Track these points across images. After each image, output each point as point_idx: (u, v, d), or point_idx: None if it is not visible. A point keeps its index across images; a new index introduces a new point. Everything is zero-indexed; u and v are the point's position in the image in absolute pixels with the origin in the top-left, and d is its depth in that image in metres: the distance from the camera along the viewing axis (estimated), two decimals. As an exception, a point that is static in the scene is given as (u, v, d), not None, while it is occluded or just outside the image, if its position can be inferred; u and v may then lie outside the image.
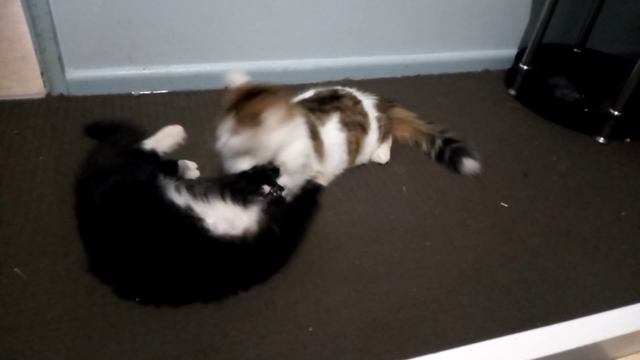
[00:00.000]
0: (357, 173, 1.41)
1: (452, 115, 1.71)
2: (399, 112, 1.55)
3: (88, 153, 1.21)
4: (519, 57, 1.91)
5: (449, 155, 1.46)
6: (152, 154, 1.13)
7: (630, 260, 1.26)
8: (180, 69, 1.63)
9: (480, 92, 1.88)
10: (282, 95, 1.15)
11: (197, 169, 1.29)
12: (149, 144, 1.14)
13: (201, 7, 1.54)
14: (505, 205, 1.38)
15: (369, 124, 1.41)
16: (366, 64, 1.84)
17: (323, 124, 1.31)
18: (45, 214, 1.15)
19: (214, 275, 0.99)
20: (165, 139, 1.16)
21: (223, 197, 1.02)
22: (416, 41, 1.88)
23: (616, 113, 1.66)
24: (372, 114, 1.43)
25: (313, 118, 1.29)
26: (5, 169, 1.25)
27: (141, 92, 1.61)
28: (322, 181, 1.16)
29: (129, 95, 1.59)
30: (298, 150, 1.14)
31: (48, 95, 1.54)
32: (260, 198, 1.05)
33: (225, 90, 1.17)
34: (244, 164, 1.13)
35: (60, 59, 1.50)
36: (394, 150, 1.49)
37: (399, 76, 1.91)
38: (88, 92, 1.56)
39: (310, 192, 1.12)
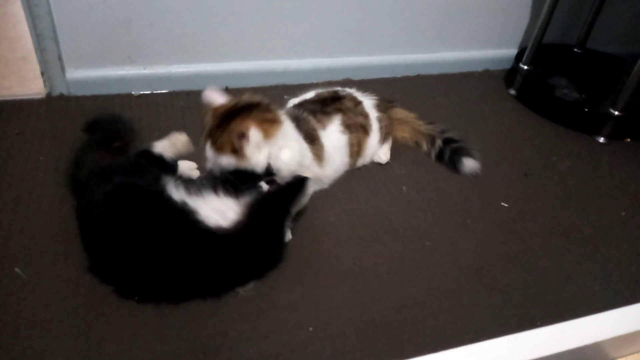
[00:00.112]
0: (357, 173, 1.41)
1: (452, 115, 1.71)
2: (399, 112, 1.55)
3: (77, 149, 1.22)
4: (519, 57, 1.91)
5: (449, 155, 1.46)
6: (159, 158, 1.15)
7: (630, 260, 1.26)
8: (181, 69, 1.63)
9: (481, 92, 1.88)
10: (262, 109, 1.14)
11: (197, 169, 1.29)
12: (158, 147, 1.18)
13: (201, 7, 1.54)
14: (506, 205, 1.38)
15: (370, 125, 1.41)
16: (366, 63, 1.84)
17: (324, 126, 1.30)
18: (46, 214, 1.15)
19: (207, 268, 0.99)
20: (171, 148, 1.20)
21: (216, 190, 1.04)
22: (416, 41, 1.88)
23: (616, 113, 1.66)
24: (373, 114, 1.43)
25: (313, 121, 1.28)
26: (6, 169, 1.25)
27: (141, 92, 1.61)
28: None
29: (129, 95, 1.59)
30: (288, 157, 1.14)
31: (48, 95, 1.54)
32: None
33: (204, 108, 1.17)
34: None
35: (60, 58, 1.50)
36: (394, 151, 1.49)
37: (399, 76, 1.91)
38: (88, 92, 1.57)
39: (293, 184, 1.11)
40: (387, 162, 1.46)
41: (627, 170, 1.57)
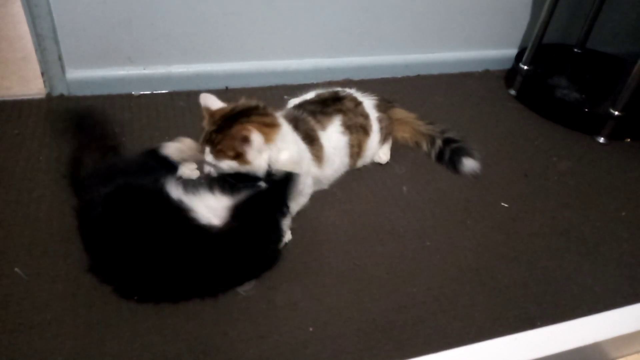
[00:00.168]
0: (357, 173, 1.41)
1: (452, 116, 1.71)
2: (399, 112, 1.55)
3: (75, 149, 1.23)
4: (519, 57, 1.91)
5: (449, 155, 1.46)
6: (164, 159, 1.17)
7: (630, 260, 1.26)
8: (181, 69, 1.63)
9: (481, 92, 1.88)
10: (260, 113, 1.14)
11: (197, 169, 1.29)
12: (167, 149, 1.19)
13: (201, 7, 1.54)
14: (506, 205, 1.38)
15: (370, 126, 1.41)
16: (366, 64, 1.84)
17: (324, 127, 1.30)
18: (46, 214, 1.15)
19: (201, 265, 0.99)
20: (178, 152, 1.21)
21: (211, 189, 1.05)
22: (416, 41, 1.88)
23: (616, 113, 1.66)
24: (373, 115, 1.43)
25: (312, 122, 1.28)
26: (6, 169, 1.25)
27: (141, 92, 1.61)
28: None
29: (130, 96, 1.59)
30: (287, 158, 1.14)
31: (48, 95, 1.54)
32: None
33: (201, 112, 1.17)
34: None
35: (60, 59, 1.50)
36: (394, 151, 1.49)
37: (399, 76, 1.91)
38: (88, 92, 1.57)
39: (283, 181, 1.11)
40: (388, 163, 1.46)
41: (627, 170, 1.57)
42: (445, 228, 1.28)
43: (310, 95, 1.46)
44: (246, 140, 1.07)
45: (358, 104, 1.42)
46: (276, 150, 1.12)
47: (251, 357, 0.94)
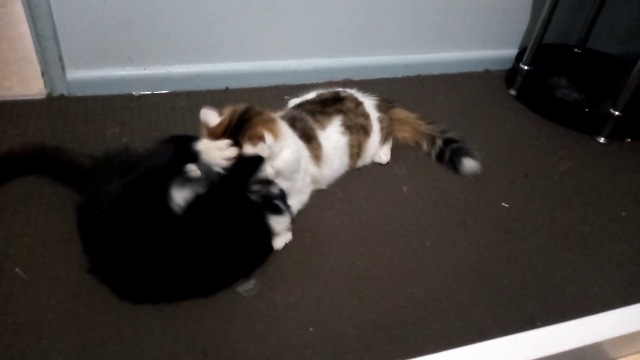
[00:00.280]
0: (357, 173, 1.41)
1: (452, 116, 1.71)
2: (400, 112, 1.55)
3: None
4: (519, 57, 1.91)
5: (449, 155, 1.46)
6: (194, 155, 1.10)
7: (630, 260, 1.26)
8: (181, 70, 1.63)
9: (481, 92, 1.88)
10: (257, 113, 1.14)
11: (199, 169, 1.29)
12: (199, 146, 1.10)
13: (201, 7, 1.54)
14: (506, 205, 1.38)
15: (371, 126, 1.41)
16: (366, 64, 1.84)
17: (323, 127, 1.30)
18: (46, 214, 1.15)
19: (186, 258, 1.00)
20: (215, 155, 1.11)
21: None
22: (416, 41, 1.88)
23: (617, 113, 1.66)
24: (374, 115, 1.43)
25: (311, 121, 1.29)
26: (6, 169, 1.26)
27: (142, 93, 1.61)
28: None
29: (130, 96, 1.59)
30: (288, 155, 1.14)
31: (49, 95, 1.54)
32: (254, 195, 1.09)
33: (204, 125, 1.14)
34: None
35: (60, 59, 1.50)
36: (394, 151, 1.49)
37: (400, 76, 1.91)
38: (89, 92, 1.57)
39: (248, 161, 1.10)
40: (388, 163, 1.46)
41: (627, 170, 1.57)
42: (446, 228, 1.28)
43: (311, 95, 1.46)
44: (262, 139, 1.08)
45: (359, 104, 1.42)
46: (279, 147, 1.13)
47: (251, 357, 0.94)
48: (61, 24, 1.45)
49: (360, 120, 1.39)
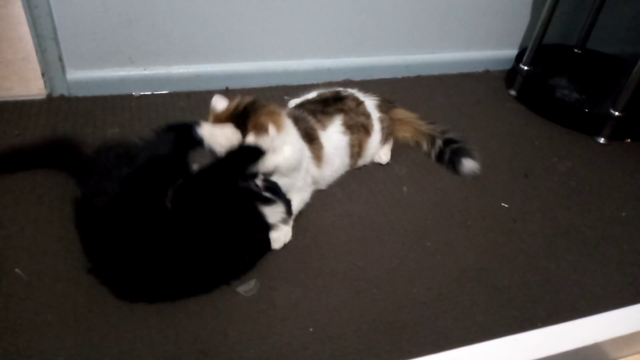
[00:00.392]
0: (357, 174, 1.41)
1: (452, 116, 1.71)
2: (400, 112, 1.55)
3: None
4: (519, 58, 1.91)
5: (449, 156, 1.46)
6: (198, 141, 1.08)
7: (630, 260, 1.26)
8: (181, 70, 1.63)
9: (481, 93, 1.88)
10: (262, 105, 1.15)
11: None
12: (203, 131, 1.08)
13: (201, 8, 1.54)
14: (506, 205, 1.38)
15: (372, 126, 1.41)
16: (366, 64, 1.84)
17: (324, 127, 1.30)
18: (46, 214, 1.15)
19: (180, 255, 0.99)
20: (220, 138, 1.09)
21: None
22: (416, 42, 1.88)
23: (616, 113, 1.66)
24: (375, 114, 1.43)
25: (312, 121, 1.29)
26: (6, 170, 1.26)
27: (142, 93, 1.61)
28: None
29: (130, 96, 1.59)
30: (290, 152, 1.14)
31: (49, 96, 1.54)
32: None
33: (212, 111, 1.16)
34: None
35: (61, 59, 1.50)
36: (394, 151, 1.49)
37: (400, 77, 1.91)
38: (89, 92, 1.57)
39: (244, 150, 1.09)
40: (388, 163, 1.46)
41: (627, 171, 1.57)
42: (446, 228, 1.28)
43: (311, 95, 1.46)
44: (264, 129, 1.08)
45: (359, 103, 1.42)
46: (281, 142, 1.13)
47: (251, 357, 0.94)
48: (61, 24, 1.45)
49: (361, 119, 1.39)
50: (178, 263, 0.98)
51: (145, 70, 1.60)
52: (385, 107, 1.49)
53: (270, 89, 1.73)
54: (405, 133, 1.54)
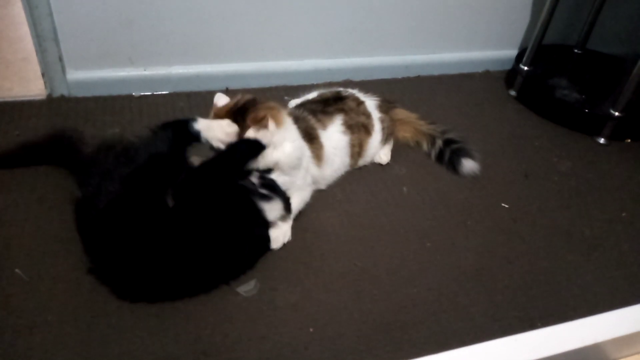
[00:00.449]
0: (357, 174, 1.41)
1: (452, 116, 1.71)
2: (401, 112, 1.55)
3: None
4: (519, 58, 1.91)
5: (449, 156, 1.46)
6: (195, 136, 1.09)
7: (630, 261, 1.26)
8: (181, 70, 1.64)
9: (481, 93, 1.88)
10: (262, 101, 1.17)
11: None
12: (199, 125, 1.10)
13: (202, 8, 1.55)
14: (506, 205, 1.38)
15: (372, 125, 1.41)
16: (367, 65, 1.84)
17: (324, 127, 1.30)
18: (46, 215, 1.15)
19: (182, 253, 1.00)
20: (217, 131, 1.10)
21: None
22: (416, 42, 1.88)
23: (617, 114, 1.66)
24: (376, 114, 1.43)
25: (313, 121, 1.29)
26: (6, 170, 1.25)
27: (142, 93, 1.62)
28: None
29: (130, 96, 1.59)
30: (290, 149, 1.15)
31: (49, 96, 1.54)
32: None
33: (213, 108, 1.18)
34: None
35: (61, 60, 1.50)
36: (394, 151, 1.49)
37: (400, 77, 1.91)
38: (89, 93, 1.57)
39: (244, 143, 1.09)
40: (388, 163, 1.46)
41: (627, 171, 1.57)
42: (446, 229, 1.28)
43: (312, 95, 1.46)
44: (264, 121, 1.09)
45: (360, 103, 1.42)
46: (281, 138, 1.13)
47: (251, 357, 0.94)
48: (61, 24, 1.45)
49: (362, 119, 1.39)
50: (179, 260, 0.98)
51: (145, 70, 1.60)
52: (385, 107, 1.49)
53: (270, 89, 1.73)
54: (405, 133, 1.54)
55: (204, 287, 1.03)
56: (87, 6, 1.44)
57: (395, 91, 1.80)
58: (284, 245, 1.16)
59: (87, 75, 1.55)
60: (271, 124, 1.10)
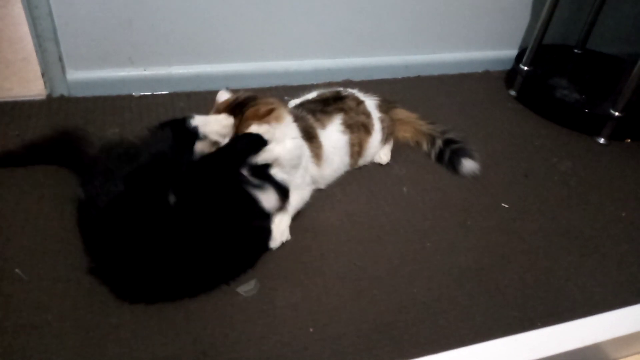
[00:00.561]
0: (357, 174, 1.41)
1: (452, 116, 1.71)
2: (401, 112, 1.56)
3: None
4: (519, 58, 1.91)
5: (449, 156, 1.46)
6: (193, 132, 1.09)
7: (630, 260, 1.26)
8: (181, 70, 1.64)
9: (481, 93, 1.88)
10: (260, 98, 1.19)
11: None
12: (195, 121, 1.10)
13: (202, 8, 1.55)
14: (506, 205, 1.38)
15: (372, 125, 1.41)
16: (367, 65, 1.84)
17: (324, 126, 1.30)
18: (46, 215, 1.15)
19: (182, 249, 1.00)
20: (214, 124, 1.11)
21: None
22: (416, 42, 1.88)
23: (616, 114, 1.66)
24: (376, 114, 1.44)
25: (312, 120, 1.29)
26: (6, 170, 1.26)
27: (142, 93, 1.62)
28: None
29: (130, 97, 1.60)
30: (290, 146, 1.15)
31: (49, 96, 1.54)
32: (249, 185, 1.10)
33: (215, 104, 1.20)
34: None
35: (61, 60, 1.50)
36: (394, 151, 1.49)
37: (400, 77, 1.91)
38: (89, 93, 1.57)
39: (245, 137, 1.09)
40: (388, 163, 1.46)
41: (627, 171, 1.57)
42: (446, 229, 1.28)
43: (311, 95, 1.46)
44: (263, 118, 1.10)
45: (360, 102, 1.42)
46: (282, 134, 1.14)
47: (251, 357, 0.94)
48: (61, 25, 1.45)
49: (362, 118, 1.39)
50: (180, 258, 0.98)
51: (145, 70, 1.60)
52: (385, 107, 1.49)
53: (270, 89, 1.73)
54: (405, 133, 1.54)
55: (204, 287, 1.03)
56: (87, 6, 1.44)
57: (395, 91, 1.80)
58: (284, 245, 1.16)
59: (87, 75, 1.55)
60: (271, 119, 1.11)
